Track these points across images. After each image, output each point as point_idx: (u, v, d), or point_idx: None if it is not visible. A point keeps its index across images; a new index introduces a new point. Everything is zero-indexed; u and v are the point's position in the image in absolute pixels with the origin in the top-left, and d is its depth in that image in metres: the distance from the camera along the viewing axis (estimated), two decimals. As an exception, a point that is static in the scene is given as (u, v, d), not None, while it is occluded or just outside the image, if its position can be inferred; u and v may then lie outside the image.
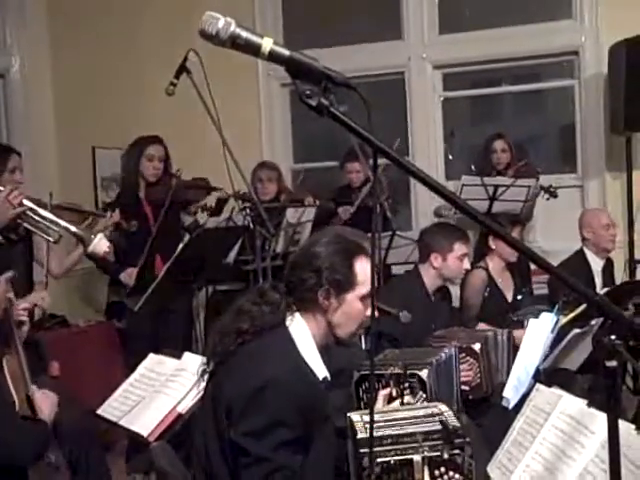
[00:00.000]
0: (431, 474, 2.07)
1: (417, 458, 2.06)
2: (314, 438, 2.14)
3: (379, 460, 2.05)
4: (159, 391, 3.04)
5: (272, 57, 1.29)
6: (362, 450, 2.06)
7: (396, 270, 5.21)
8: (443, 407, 2.33)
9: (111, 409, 3.17)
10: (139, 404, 3.08)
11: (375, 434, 2.12)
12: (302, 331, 2.24)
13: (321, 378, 2.23)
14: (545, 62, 6.39)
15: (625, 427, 1.85)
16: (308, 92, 1.28)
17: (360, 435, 2.13)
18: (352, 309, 2.28)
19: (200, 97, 4.24)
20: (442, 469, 2.08)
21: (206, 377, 2.30)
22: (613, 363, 1.25)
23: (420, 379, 2.77)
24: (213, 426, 2.17)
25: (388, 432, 2.15)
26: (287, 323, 2.24)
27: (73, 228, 3.10)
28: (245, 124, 6.33)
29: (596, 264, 5.03)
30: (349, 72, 1.38)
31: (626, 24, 5.58)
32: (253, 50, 1.29)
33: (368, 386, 2.71)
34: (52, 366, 3.96)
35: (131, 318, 4.84)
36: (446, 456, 2.07)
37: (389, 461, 2.05)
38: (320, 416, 2.18)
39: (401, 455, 2.06)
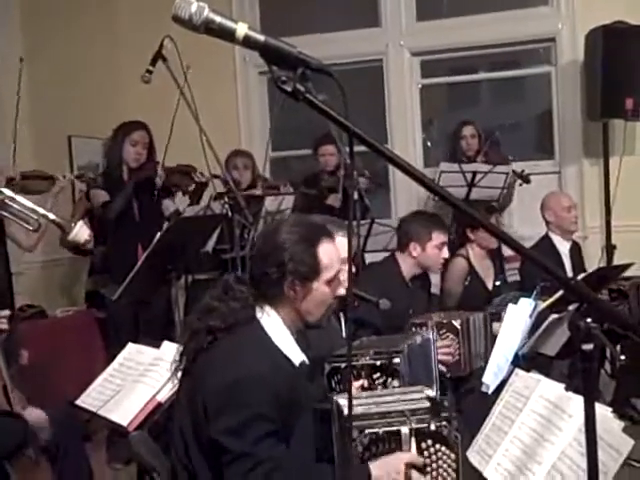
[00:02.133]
0: (418, 446, 2.11)
1: (404, 430, 2.11)
2: (293, 429, 2.13)
3: (368, 431, 2.09)
4: (138, 380, 3.03)
5: (247, 42, 1.28)
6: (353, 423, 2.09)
7: (372, 258, 5.20)
8: (428, 390, 2.36)
9: (90, 399, 3.15)
10: (118, 394, 3.06)
11: (363, 411, 2.15)
12: (274, 322, 2.22)
13: (298, 364, 2.22)
14: (522, 49, 6.42)
15: (602, 410, 1.87)
16: (284, 78, 1.27)
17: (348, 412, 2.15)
18: (320, 295, 2.26)
19: (177, 85, 4.22)
20: (429, 441, 2.13)
21: (179, 375, 2.27)
22: (589, 346, 1.26)
23: (394, 369, 2.76)
24: (190, 425, 2.15)
25: (375, 409, 2.19)
26: (258, 316, 2.22)
27: (52, 216, 3.06)
28: (223, 112, 6.31)
29: (563, 247, 5.08)
30: (327, 59, 1.36)
31: (602, 11, 5.62)
32: (227, 35, 1.27)
33: (340, 378, 2.70)
34: (22, 355, 3.97)
35: (112, 308, 4.81)
36: (433, 427, 2.11)
37: (377, 432, 2.09)
38: (298, 407, 2.17)
39: (389, 427, 2.11)
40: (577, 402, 2.01)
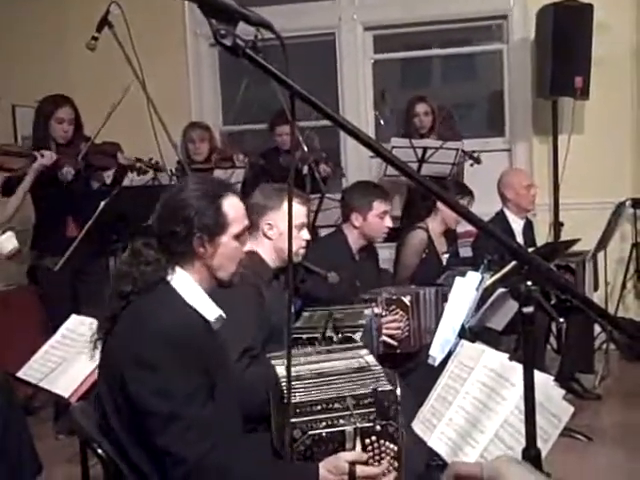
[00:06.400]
0: (362, 443, 2.05)
1: (349, 429, 2.04)
2: (216, 384, 2.10)
3: (310, 433, 2.02)
4: (81, 352, 2.97)
5: (185, -7, 1.24)
6: (293, 420, 2.01)
7: (323, 232, 5.19)
8: (369, 358, 2.35)
9: (32, 371, 3.11)
10: (60, 365, 3.03)
11: (304, 397, 2.09)
12: (185, 281, 2.18)
13: (214, 319, 2.18)
14: (475, 26, 6.41)
15: (544, 379, 1.88)
16: (223, 32, 1.22)
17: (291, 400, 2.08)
18: (229, 250, 2.24)
19: (124, 53, 4.11)
20: (373, 438, 2.07)
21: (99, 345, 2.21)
22: (530, 309, 1.25)
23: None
24: (109, 395, 2.10)
25: (317, 394, 2.11)
26: (168, 278, 2.17)
27: None
28: (172, 84, 6.18)
29: (517, 225, 5.08)
30: (279, 32, 1.31)
31: (553, -12, 5.62)
32: (165, -14, 1.23)
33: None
34: None
35: (48, 280, 4.71)
36: (378, 428, 2.05)
37: (320, 433, 2.02)
38: (218, 361, 2.15)
39: (332, 427, 2.04)
40: (520, 371, 2.02)
